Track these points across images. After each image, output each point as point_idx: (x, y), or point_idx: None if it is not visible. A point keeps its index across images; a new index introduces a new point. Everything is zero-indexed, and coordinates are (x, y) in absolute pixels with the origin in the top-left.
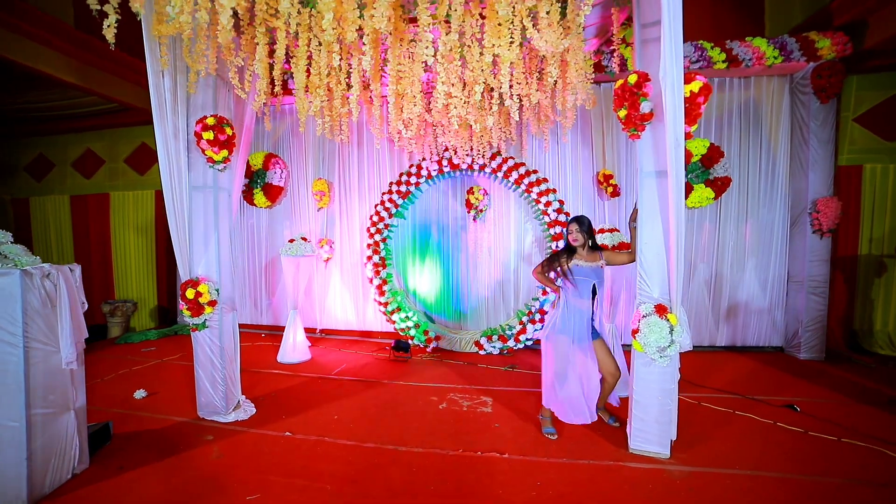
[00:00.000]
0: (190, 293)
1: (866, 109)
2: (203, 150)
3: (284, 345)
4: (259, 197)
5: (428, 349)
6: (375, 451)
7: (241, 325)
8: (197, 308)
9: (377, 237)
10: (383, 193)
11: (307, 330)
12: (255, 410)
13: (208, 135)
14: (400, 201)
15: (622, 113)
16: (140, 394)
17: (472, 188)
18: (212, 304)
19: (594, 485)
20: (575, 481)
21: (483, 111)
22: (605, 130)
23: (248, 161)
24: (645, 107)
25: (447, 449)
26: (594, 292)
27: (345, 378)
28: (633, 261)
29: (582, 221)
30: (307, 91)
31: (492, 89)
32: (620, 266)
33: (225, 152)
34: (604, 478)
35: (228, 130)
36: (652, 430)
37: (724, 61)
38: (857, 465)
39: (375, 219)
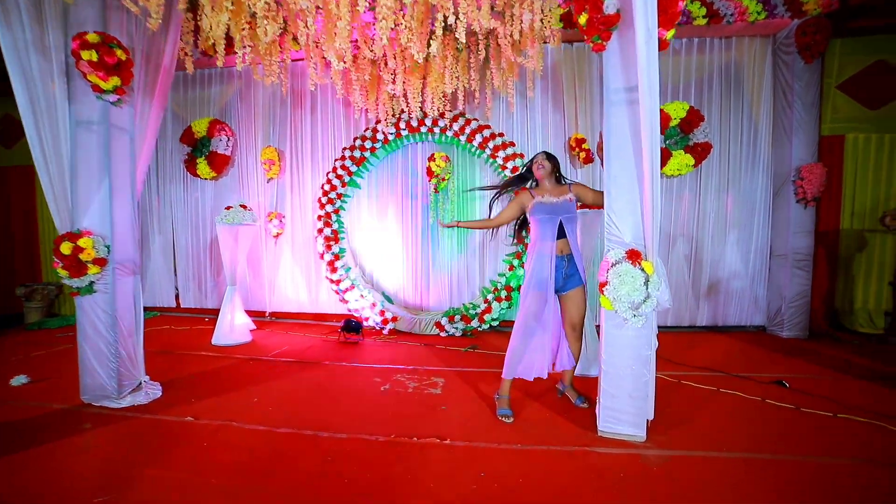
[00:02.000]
0: (66, 248)
1: (850, 76)
2: (85, 75)
3: (220, 325)
4: (203, 167)
5: (384, 331)
6: (289, 438)
7: (184, 310)
8: (77, 267)
9: (329, 208)
10: (336, 160)
11: (256, 314)
12: (160, 394)
13: (89, 54)
14: (354, 168)
15: (583, 19)
16: (19, 380)
17: (433, 155)
18: (99, 262)
19: (552, 475)
20: (528, 471)
21: (423, 35)
22: (578, 95)
23: (191, 129)
24: (609, 6)
25: (377, 435)
26: (562, 232)
27: (281, 360)
28: (599, 205)
29: (549, 154)
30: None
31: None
32: (592, 220)
33: (116, 80)
34: (564, 466)
35: (120, 54)
36: (624, 407)
37: (704, 16)
38: (859, 443)
39: (327, 188)
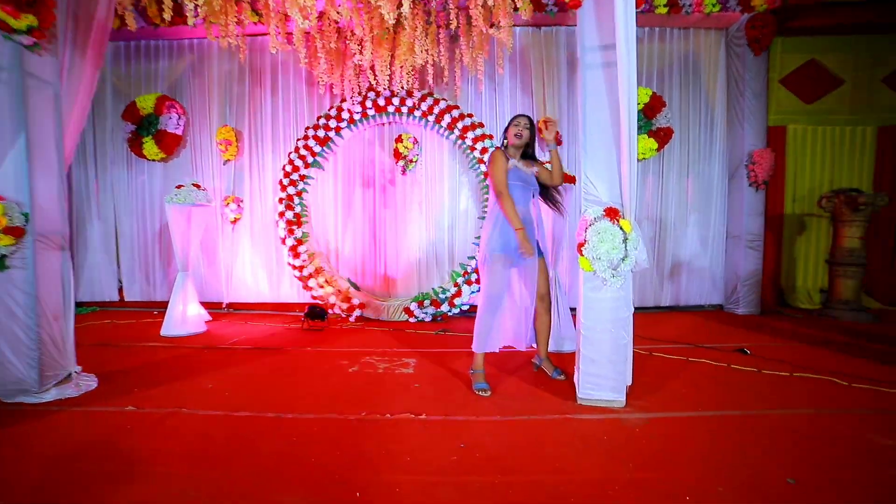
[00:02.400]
0: None
1: (790, 71)
2: None
3: (170, 315)
4: (150, 147)
5: (350, 318)
6: (249, 421)
7: (129, 304)
8: None
9: (291, 190)
10: (298, 140)
11: (211, 305)
12: (95, 385)
13: None
14: (318, 149)
15: None
16: None
17: (400, 136)
18: (12, 232)
19: (536, 443)
20: (511, 441)
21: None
22: (546, 78)
23: (135, 105)
24: None
25: (347, 414)
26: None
27: (240, 347)
28: (558, 183)
29: (532, 121)
30: None
31: None
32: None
33: (31, 19)
34: (548, 434)
35: None
36: (604, 372)
37: (665, 5)
38: (813, 396)
39: (289, 168)
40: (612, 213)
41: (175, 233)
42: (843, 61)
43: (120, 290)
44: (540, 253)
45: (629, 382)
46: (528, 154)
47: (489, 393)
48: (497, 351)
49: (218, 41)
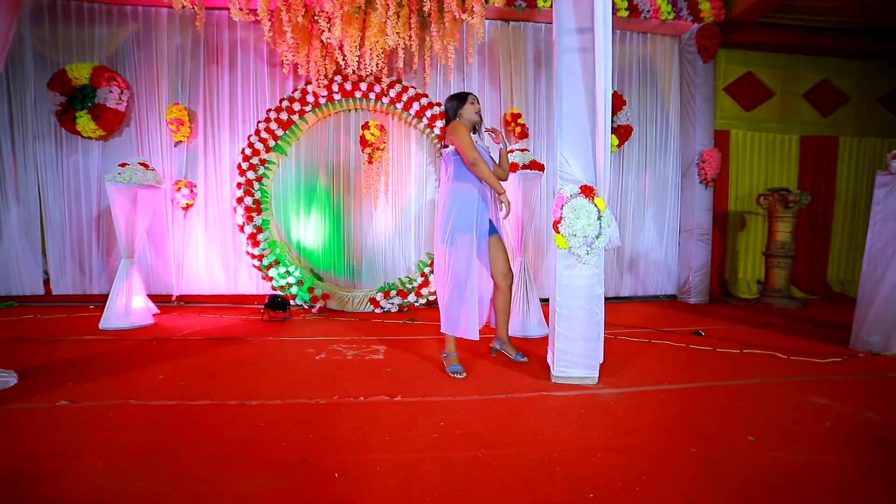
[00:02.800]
0: None
1: (731, 81)
2: None
3: (111, 306)
4: (86, 122)
5: (313, 310)
6: (208, 410)
7: (58, 297)
8: None
9: (251, 175)
10: (259, 122)
11: (160, 298)
12: (14, 382)
13: None
14: (280, 132)
15: None
16: None
17: (367, 123)
18: None
19: (515, 418)
20: (490, 418)
21: None
22: (514, 71)
23: (66, 74)
24: None
25: (318, 398)
26: None
27: (194, 339)
28: (505, 179)
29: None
30: None
31: None
32: (532, 183)
33: None
34: (526, 410)
35: None
36: (578, 349)
37: (626, 9)
38: (762, 368)
39: (249, 152)
40: (587, 191)
41: (118, 216)
42: (774, 76)
43: (46, 282)
44: (495, 231)
45: (601, 360)
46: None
47: (464, 375)
48: (477, 338)
49: (171, 8)
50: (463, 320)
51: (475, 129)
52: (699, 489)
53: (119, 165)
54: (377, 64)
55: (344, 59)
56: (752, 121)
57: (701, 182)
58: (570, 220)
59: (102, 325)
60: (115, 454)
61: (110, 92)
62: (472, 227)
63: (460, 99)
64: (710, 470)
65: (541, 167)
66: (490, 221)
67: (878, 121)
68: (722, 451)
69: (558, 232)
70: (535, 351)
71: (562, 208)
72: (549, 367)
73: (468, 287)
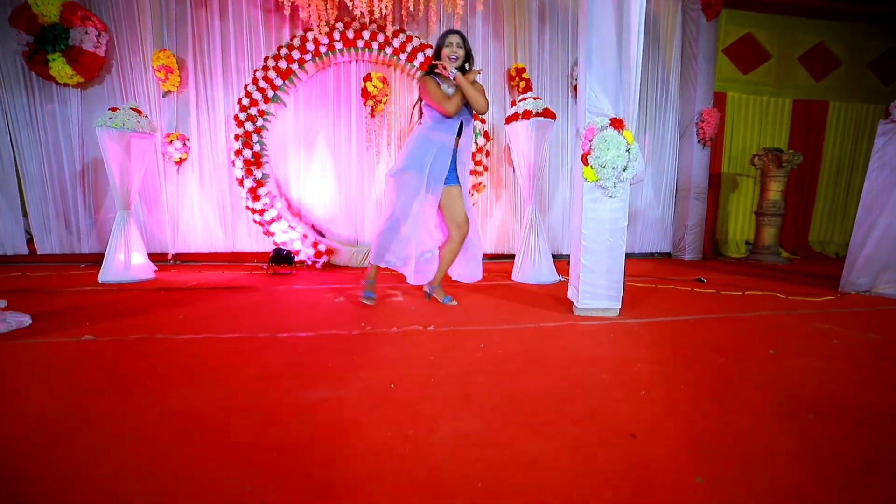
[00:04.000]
0: None
1: (731, 42)
2: None
3: (110, 260)
4: (60, 66)
5: (317, 265)
6: (239, 341)
7: (43, 258)
8: None
9: (249, 126)
10: (256, 70)
11: (155, 257)
12: (29, 321)
13: None
14: (279, 82)
15: None
16: None
17: (369, 74)
18: None
19: (550, 340)
20: (525, 341)
21: None
22: (518, 25)
23: (29, 8)
24: None
25: (349, 330)
26: (460, 130)
27: (202, 289)
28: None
29: (465, 38)
30: None
31: None
32: (544, 131)
33: None
34: (557, 335)
35: None
36: (602, 281)
37: None
38: (764, 305)
39: (246, 102)
40: (616, 123)
41: (112, 165)
42: (771, 38)
43: (30, 242)
44: (457, 180)
45: (622, 292)
46: (463, 69)
47: (372, 302)
48: (413, 282)
49: None
50: (390, 255)
51: (467, 61)
52: (737, 388)
53: (109, 109)
54: (385, 6)
55: (352, 1)
56: (748, 84)
57: (699, 142)
58: (601, 151)
59: (101, 278)
60: (158, 376)
61: (86, 33)
62: (423, 169)
63: (440, 42)
64: (741, 374)
65: (552, 115)
66: (454, 172)
67: (867, 86)
68: (748, 361)
69: (587, 164)
70: (549, 294)
71: (591, 140)
72: (569, 305)
73: (406, 226)
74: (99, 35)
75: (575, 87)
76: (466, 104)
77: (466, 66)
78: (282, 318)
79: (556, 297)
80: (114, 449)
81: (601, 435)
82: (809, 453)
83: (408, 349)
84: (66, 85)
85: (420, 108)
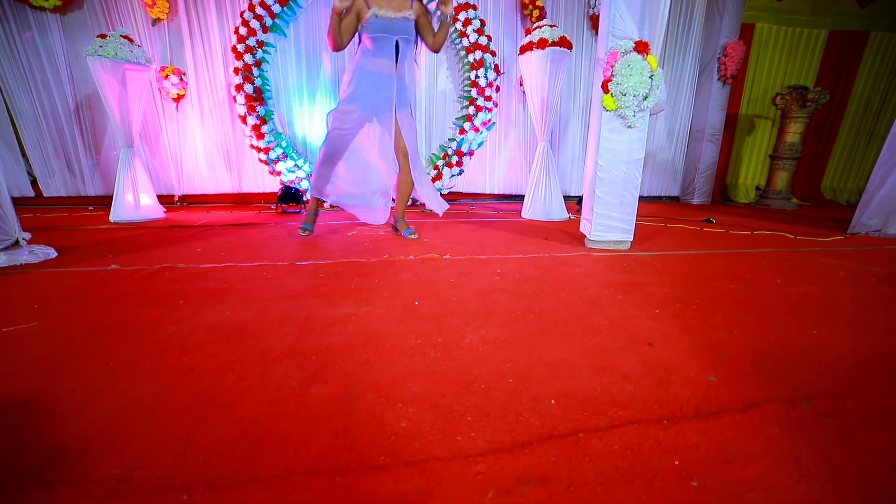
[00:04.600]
0: None
1: None
2: None
3: (118, 199)
4: None
5: (325, 204)
6: (262, 268)
7: (50, 200)
8: None
9: (248, 59)
10: None
11: (161, 199)
12: (55, 254)
13: None
14: (277, 8)
15: None
16: None
17: None
18: None
19: (565, 267)
20: (541, 268)
21: None
22: None
23: None
24: None
25: (366, 258)
26: (398, 51)
27: (215, 226)
28: (434, 51)
29: None
30: None
31: None
32: (560, 63)
33: None
34: (572, 263)
35: None
36: (615, 213)
37: None
38: (772, 242)
39: (244, 31)
40: (641, 47)
41: (109, 99)
42: None
43: (34, 184)
44: (407, 105)
45: (634, 225)
46: None
47: (308, 234)
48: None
49: None
50: (327, 188)
51: None
52: (748, 307)
53: (98, 36)
54: None
55: None
56: (782, 12)
57: (720, 79)
58: (623, 78)
59: (113, 217)
60: (189, 297)
61: None
62: (361, 103)
63: None
64: (752, 297)
65: (569, 45)
66: (405, 97)
67: None
68: (759, 287)
69: (607, 92)
70: (560, 229)
71: (613, 66)
72: (581, 238)
73: (345, 161)
74: None
75: (593, 18)
76: (406, 24)
77: None
78: (299, 249)
79: (567, 233)
80: (163, 351)
81: (621, 343)
82: (814, 357)
83: (427, 274)
84: (41, 8)
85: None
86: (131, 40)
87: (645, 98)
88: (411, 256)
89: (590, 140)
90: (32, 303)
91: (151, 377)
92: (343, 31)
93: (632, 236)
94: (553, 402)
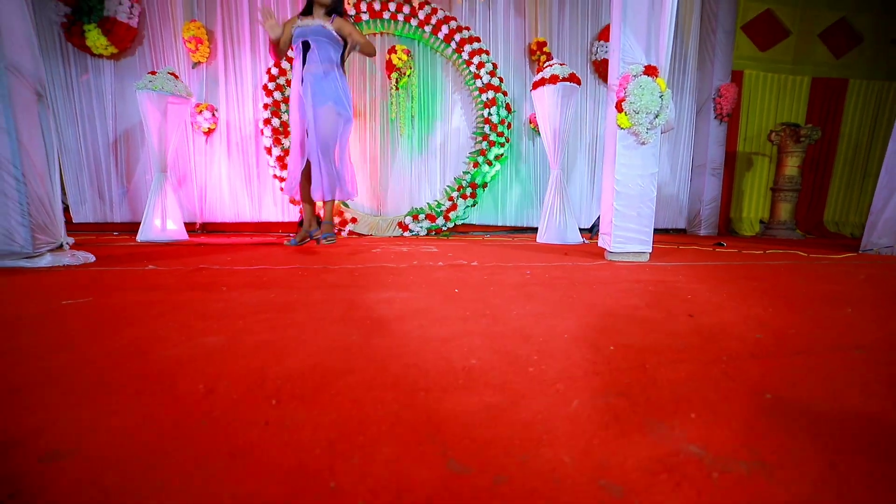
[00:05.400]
0: None
1: (750, 19)
2: None
3: (147, 221)
4: (95, 37)
5: (343, 233)
6: (295, 272)
7: (79, 226)
8: None
9: (277, 95)
10: None
11: (185, 225)
12: (94, 259)
13: None
14: None
15: None
16: None
17: (393, 47)
18: None
19: (591, 272)
20: (568, 272)
21: None
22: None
23: None
24: None
25: (397, 263)
26: (308, 49)
27: (240, 245)
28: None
29: None
30: None
31: None
32: (570, 97)
33: None
34: (595, 269)
35: None
36: (633, 225)
37: None
38: (787, 259)
39: (275, 72)
40: (651, 70)
41: (150, 127)
42: (792, 14)
43: (66, 210)
44: (328, 100)
45: (652, 237)
46: (339, 12)
47: (291, 245)
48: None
49: None
50: (296, 186)
51: (335, 8)
52: (777, 296)
53: (149, 73)
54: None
55: None
56: (766, 61)
57: (716, 117)
58: (635, 97)
59: (140, 237)
60: (230, 285)
61: (120, 4)
62: (296, 102)
63: None
64: (776, 291)
65: (578, 80)
66: (328, 93)
67: (890, 62)
68: (781, 286)
69: (621, 111)
70: (578, 250)
71: (626, 87)
72: (600, 253)
73: (300, 157)
74: (132, 6)
75: (594, 63)
76: (319, 27)
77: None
78: (329, 259)
79: (586, 251)
80: (214, 318)
81: (663, 315)
82: (854, 321)
83: (459, 274)
84: (100, 56)
85: None
86: (176, 76)
87: (656, 116)
88: (440, 263)
89: (605, 160)
90: (82, 287)
91: (209, 334)
92: (282, 45)
93: (650, 248)
94: (612, 348)
